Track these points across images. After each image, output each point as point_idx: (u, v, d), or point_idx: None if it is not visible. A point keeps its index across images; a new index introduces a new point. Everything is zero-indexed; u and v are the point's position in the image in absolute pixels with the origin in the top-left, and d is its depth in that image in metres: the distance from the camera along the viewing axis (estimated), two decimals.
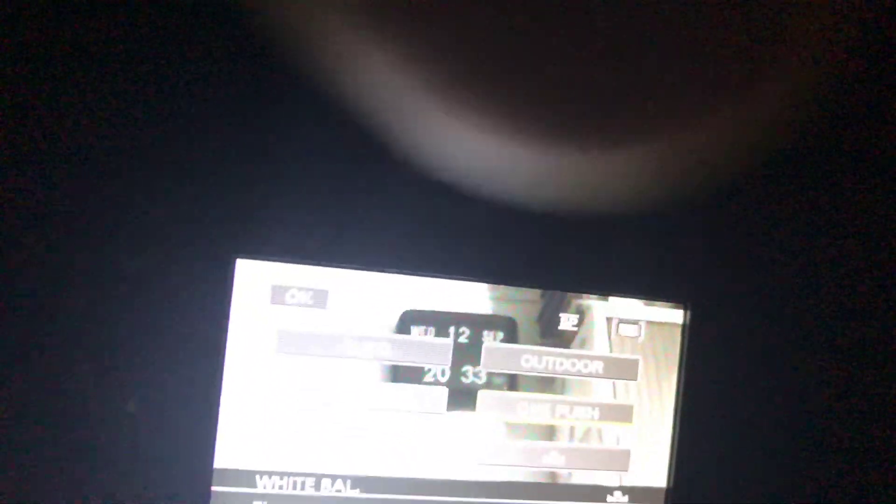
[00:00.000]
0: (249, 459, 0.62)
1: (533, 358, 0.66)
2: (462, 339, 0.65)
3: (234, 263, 0.61)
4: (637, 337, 0.68)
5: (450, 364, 0.65)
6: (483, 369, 0.65)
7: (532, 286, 0.67)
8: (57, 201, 0.57)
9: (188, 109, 0.59)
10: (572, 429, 0.67)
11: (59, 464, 0.58)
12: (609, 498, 0.68)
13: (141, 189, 0.59)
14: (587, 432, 0.67)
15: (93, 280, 0.58)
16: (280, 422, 0.62)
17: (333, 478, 0.63)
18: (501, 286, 0.66)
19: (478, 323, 0.65)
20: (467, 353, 0.65)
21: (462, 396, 0.65)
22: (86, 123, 0.58)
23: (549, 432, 0.67)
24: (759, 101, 0.66)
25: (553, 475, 0.67)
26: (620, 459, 0.68)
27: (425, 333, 0.64)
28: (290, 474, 0.62)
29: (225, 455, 0.61)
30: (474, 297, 0.65)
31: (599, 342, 0.67)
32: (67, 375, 0.58)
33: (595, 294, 0.68)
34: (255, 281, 0.62)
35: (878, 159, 0.73)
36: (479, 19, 0.59)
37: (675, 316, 0.69)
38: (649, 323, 0.68)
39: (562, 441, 0.67)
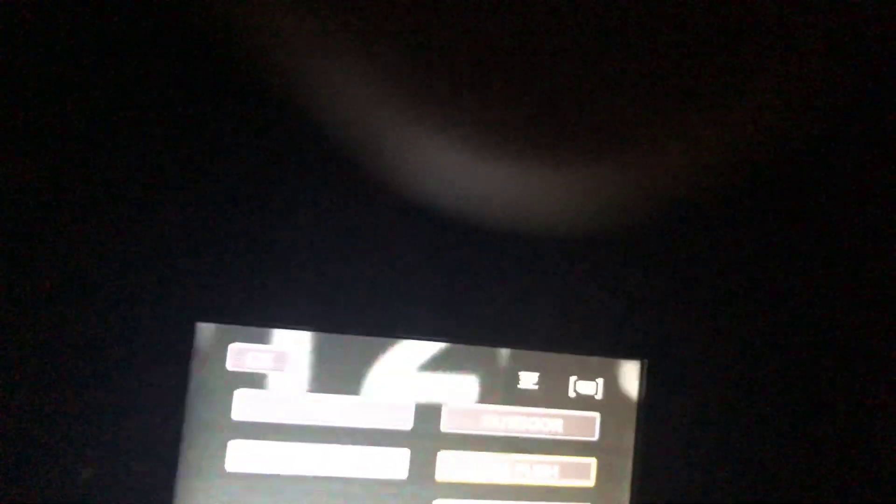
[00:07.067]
0: None
1: (493, 418, 0.67)
2: (422, 400, 0.66)
3: (194, 327, 0.61)
4: (595, 394, 0.70)
5: (411, 425, 0.65)
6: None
7: (488, 345, 0.67)
8: (16, 259, 0.57)
9: (149, 173, 0.60)
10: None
11: None
12: None
13: (101, 253, 0.59)
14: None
15: (52, 342, 0.57)
16: (239, 483, 0.61)
17: None
18: (459, 345, 0.67)
19: (438, 383, 0.66)
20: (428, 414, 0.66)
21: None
22: (49, 181, 0.57)
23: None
24: (718, 152, 0.67)
25: None
26: None
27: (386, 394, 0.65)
28: None
29: None
30: (434, 356, 0.66)
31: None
32: (21, 441, 0.57)
33: (551, 352, 0.69)
34: (214, 344, 0.62)
35: (838, 209, 0.75)
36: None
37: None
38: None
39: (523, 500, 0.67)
